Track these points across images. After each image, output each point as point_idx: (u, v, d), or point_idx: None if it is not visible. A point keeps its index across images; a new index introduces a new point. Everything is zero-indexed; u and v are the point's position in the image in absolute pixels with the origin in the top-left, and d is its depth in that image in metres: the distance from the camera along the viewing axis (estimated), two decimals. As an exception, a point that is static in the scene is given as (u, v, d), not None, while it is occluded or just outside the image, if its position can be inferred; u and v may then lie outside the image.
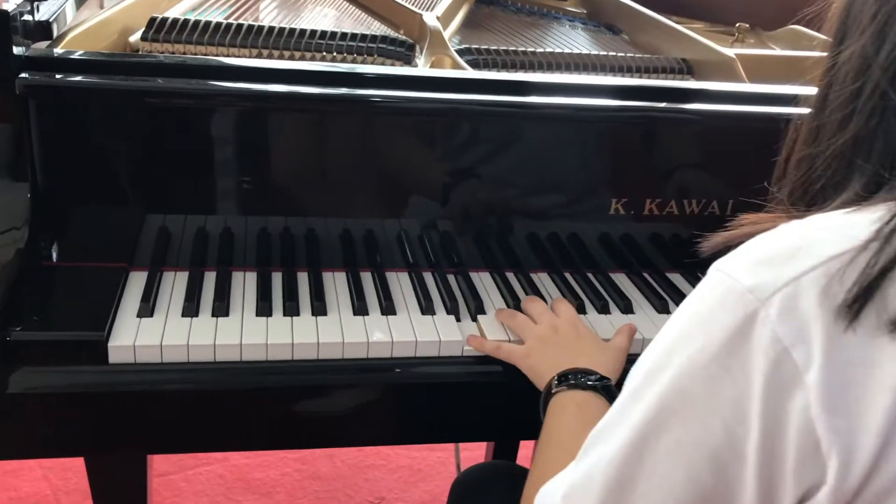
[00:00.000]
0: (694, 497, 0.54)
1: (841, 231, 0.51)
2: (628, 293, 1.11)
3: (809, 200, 0.60)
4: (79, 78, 0.97)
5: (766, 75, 1.38)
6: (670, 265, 1.19)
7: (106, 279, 1.01)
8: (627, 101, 1.10)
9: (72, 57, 1.00)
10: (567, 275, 1.15)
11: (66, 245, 1.02)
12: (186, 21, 1.26)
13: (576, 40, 1.61)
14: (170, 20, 1.25)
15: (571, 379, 0.87)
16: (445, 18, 1.44)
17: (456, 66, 1.23)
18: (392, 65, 1.29)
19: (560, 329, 0.96)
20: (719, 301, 0.53)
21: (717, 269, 0.55)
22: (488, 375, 0.97)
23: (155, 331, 0.93)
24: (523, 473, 1.12)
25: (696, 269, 1.19)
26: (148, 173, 1.03)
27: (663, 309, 1.09)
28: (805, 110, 0.62)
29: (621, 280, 1.16)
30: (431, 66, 1.22)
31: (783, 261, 0.51)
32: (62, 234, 1.01)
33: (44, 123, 0.96)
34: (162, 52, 1.23)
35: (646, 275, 1.18)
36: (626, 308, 1.08)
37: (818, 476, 0.49)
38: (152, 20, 1.25)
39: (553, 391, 0.87)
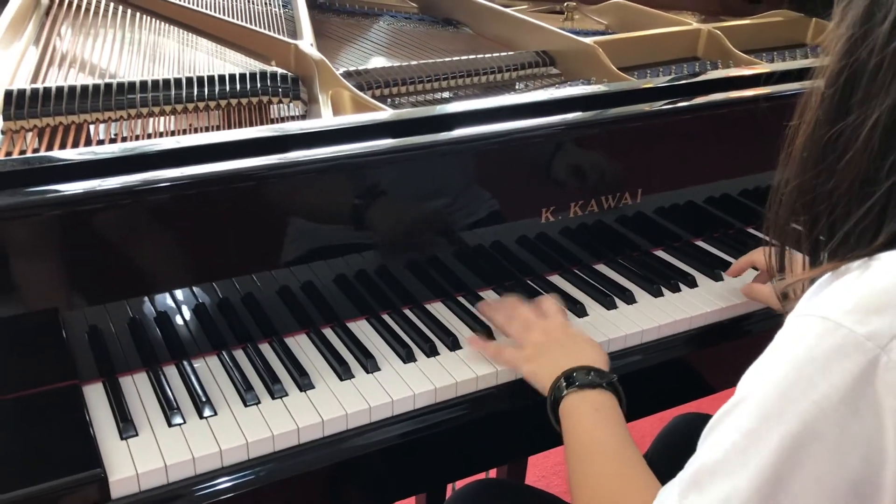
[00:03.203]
0: None
1: None
2: (574, 295, 1.17)
3: (846, 240, 0.65)
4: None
5: (630, 57, 1.47)
6: (596, 258, 1.26)
7: (63, 404, 0.91)
8: (553, 116, 1.13)
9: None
10: (510, 286, 1.19)
11: (6, 376, 0.90)
12: (48, 90, 1.13)
13: (428, 41, 1.62)
14: (29, 92, 1.12)
15: (578, 379, 0.92)
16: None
17: (355, 99, 1.20)
18: (279, 103, 1.24)
19: (552, 332, 1.01)
20: (836, 348, 0.58)
21: (821, 316, 0.60)
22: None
23: (151, 451, 0.86)
24: (513, 487, 1.16)
25: (617, 257, 1.27)
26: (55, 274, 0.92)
27: (611, 305, 1.15)
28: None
29: (559, 281, 1.21)
30: (331, 102, 1.19)
31: (894, 307, 0.57)
32: (-2, 365, 0.90)
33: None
34: (30, 129, 1.10)
35: (576, 271, 1.24)
36: (580, 312, 1.13)
37: None
38: (8, 95, 1.11)
39: (563, 394, 0.91)
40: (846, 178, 0.64)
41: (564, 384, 0.92)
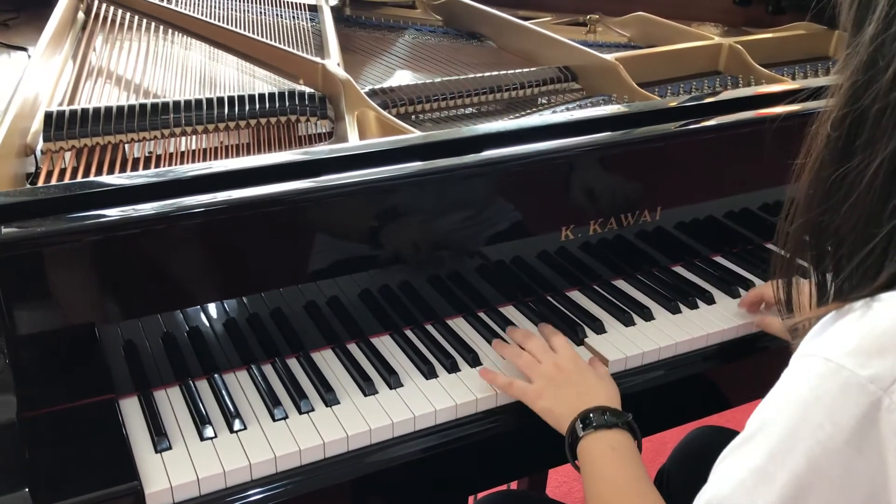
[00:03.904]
0: None
1: None
2: (593, 312, 1.19)
3: (850, 277, 0.67)
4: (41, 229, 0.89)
5: (651, 73, 1.50)
6: (615, 273, 1.28)
7: (100, 417, 0.95)
8: (582, 136, 1.16)
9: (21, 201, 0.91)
10: (530, 302, 1.22)
11: (47, 390, 0.95)
12: (86, 111, 1.18)
13: (452, 55, 1.65)
14: (67, 113, 1.17)
15: (595, 420, 0.94)
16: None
17: (380, 119, 1.23)
18: (307, 121, 1.28)
19: (563, 366, 1.02)
20: (840, 390, 0.60)
21: (824, 358, 0.62)
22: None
23: (184, 465, 0.90)
24: (532, 499, 1.19)
25: (635, 273, 1.30)
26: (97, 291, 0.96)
27: (629, 322, 1.18)
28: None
29: (578, 297, 1.24)
30: (357, 123, 1.22)
31: (893, 350, 0.59)
32: (40, 379, 0.94)
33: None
34: (69, 149, 1.14)
35: (596, 287, 1.26)
36: (599, 329, 1.16)
37: None
38: (48, 117, 1.16)
39: (581, 435, 0.94)
40: (851, 218, 0.66)
41: (581, 425, 0.94)
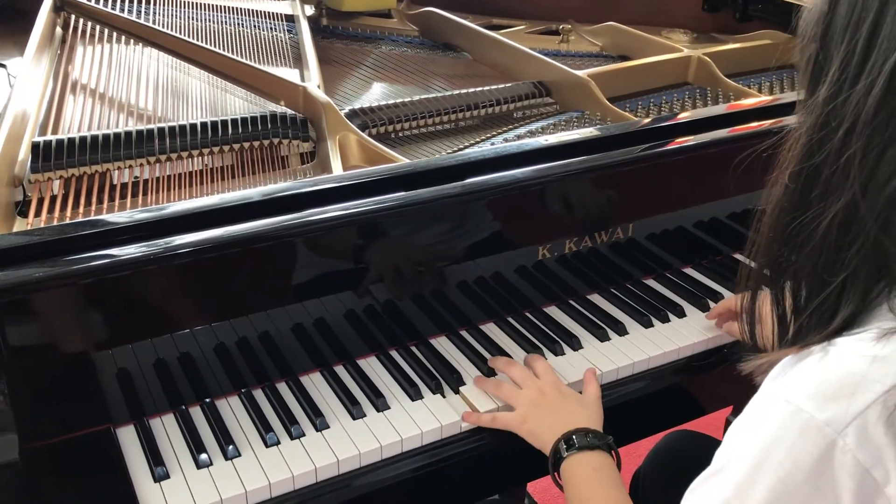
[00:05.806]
0: None
1: (886, 365, 0.65)
2: (570, 328, 1.24)
3: (808, 320, 0.72)
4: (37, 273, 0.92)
5: (622, 87, 1.54)
6: (591, 288, 1.33)
7: (99, 448, 0.99)
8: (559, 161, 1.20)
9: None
10: (510, 319, 1.27)
11: (47, 424, 0.98)
12: (72, 141, 1.20)
13: (428, 67, 1.68)
14: (54, 143, 1.19)
15: (577, 441, 1.00)
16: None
17: (361, 143, 1.26)
18: (289, 144, 1.31)
19: (546, 391, 1.08)
20: (799, 431, 0.65)
21: (786, 400, 0.67)
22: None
23: (182, 493, 0.94)
24: None
25: (609, 287, 1.35)
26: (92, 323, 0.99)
27: (604, 337, 1.23)
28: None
29: (555, 313, 1.29)
30: (339, 147, 1.25)
31: (847, 395, 0.64)
32: (39, 414, 0.98)
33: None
34: (57, 178, 1.17)
35: (572, 302, 1.31)
36: (576, 345, 1.21)
37: None
38: (36, 147, 1.18)
39: (564, 455, 0.99)
40: (807, 265, 0.71)
41: (565, 446, 1.00)
